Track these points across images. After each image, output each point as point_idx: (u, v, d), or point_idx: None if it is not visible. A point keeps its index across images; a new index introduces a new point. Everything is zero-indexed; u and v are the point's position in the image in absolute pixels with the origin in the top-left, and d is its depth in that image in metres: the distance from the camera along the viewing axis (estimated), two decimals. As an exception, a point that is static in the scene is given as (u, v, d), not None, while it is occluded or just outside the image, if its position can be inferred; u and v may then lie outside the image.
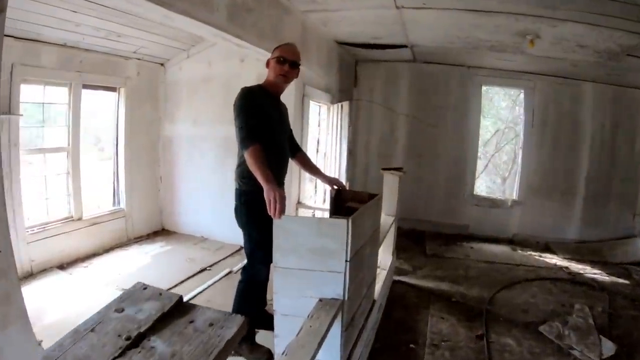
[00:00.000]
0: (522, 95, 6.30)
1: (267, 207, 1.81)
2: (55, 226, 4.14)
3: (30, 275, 3.79)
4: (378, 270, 3.81)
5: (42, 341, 2.68)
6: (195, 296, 3.54)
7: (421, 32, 4.48)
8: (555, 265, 5.02)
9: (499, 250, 5.60)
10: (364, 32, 4.68)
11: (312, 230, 1.77)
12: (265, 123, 2.26)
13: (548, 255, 5.43)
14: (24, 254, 3.77)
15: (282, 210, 1.80)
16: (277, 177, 2.46)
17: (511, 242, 5.99)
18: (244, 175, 2.27)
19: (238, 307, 2.43)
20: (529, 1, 3.23)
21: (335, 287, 1.82)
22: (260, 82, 2.45)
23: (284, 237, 1.81)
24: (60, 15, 3.30)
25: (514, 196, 6.26)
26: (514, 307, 3.72)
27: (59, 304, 3.28)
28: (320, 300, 1.81)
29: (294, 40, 4.02)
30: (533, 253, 5.50)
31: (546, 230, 6.00)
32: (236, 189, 2.40)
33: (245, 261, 2.43)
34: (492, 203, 6.33)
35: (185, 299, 2.86)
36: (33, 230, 3.93)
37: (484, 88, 6.43)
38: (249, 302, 2.40)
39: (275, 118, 2.40)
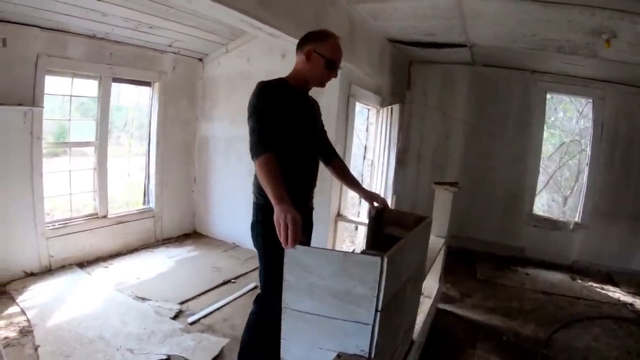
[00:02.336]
0: (589, 106, 5.58)
1: (277, 233, 1.41)
2: (78, 223, 3.99)
3: (48, 271, 3.68)
4: (421, 299, 3.36)
5: (39, 346, 2.54)
6: (211, 312, 3.21)
7: (482, 28, 3.94)
8: (618, 300, 4.35)
9: (557, 278, 4.95)
10: (417, 28, 4.19)
11: (333, 267, 1.35)
12: (288, 126, 1.86)
13: (610, 287, 4.75)
14: (43, 249, 3.66)
15: (295, 238, 1.38)
16: (305, 191, 2.05)
17: (570, 269, 5.30)
18: (262, 187, 1.87)
19: (248, 343, 2.05)
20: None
21: (360, 341, 1.38)
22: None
23: (296, 272, 1.40)
24: (83, 4, 3.11)
25: (577, 218, 5.54)
26: (573, 353, 3.15)
27: (67, 306, 3.11)
28: (339, 356, 1.39)
29: (341, 35, 3.65)
30: (594, 284, 4.82)
31: (610, 258, 5.27)
32: (254, 203, 2.01)
33: (260, 289, 2.04)
34: (552, 225, 5.63)
35: (201, 314, 2.54)
36: (54, 225, 3.79)
37: (548, 95, 5.74)
38: (260, 339, 2.00)
39: (302, 118, 1.98)
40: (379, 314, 1.35)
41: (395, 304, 1.58)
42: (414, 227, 1.92)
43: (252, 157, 1.72)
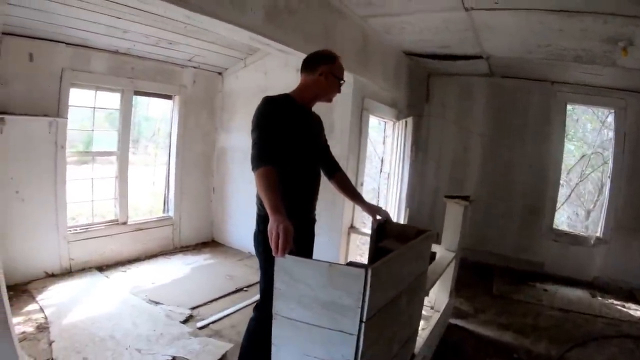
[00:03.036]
0: (611, 116, 5.41)
1: (269, 241, 1.46)
2: (99, 228, 4.16)
3: (68, 273, 3.85)
4: (431, 312, 3.33)
5: (53, 342, 2.68)
6: (221, 319, 3.28)
7: (496, 40, 3.92)
8: (639, 319, 4.17)
9: (577, 295, 4.77)
10: (431, 41, 4.21)
11: (320, 277, 1.39)
12: (291, 139, 1.93)
13: (632, 305, 4.55)
14: (64, 252, 3.83)
15: (284, 247, 1.43)
16: (306, 203, 2.11)
17: (591, 285, 5.10)
18: None
19: (247, 349, 2.11)
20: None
21: (346, 350, 1.41)
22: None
23: (286, 281, 1.45)
24: (105, 22, 3.29)
25: (599, 233, 5.34)
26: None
27: (83, 306, 3.25)
28: (327, 364, 1.43)
29: (354, 49, 3.73)
30: (615, 302, 4.63)
31: (632, 275, 5.04)
32: (257, 214, 2.07)
33: (259, 297, 2.10)
34: (573, 239, 5.45)
35: (210, 320, 2.61)
36: (76, 230, 3.97)
37: (568, 107, 5.62)
38: (258, 345, 2.05)
39: (305, 133, 2.05)
40: (363, 324, 1.38)
41: (387, 315, 1.60)
42: (413, 239, 1.94)
43: (252, 169, 1.79)
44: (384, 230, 2.23)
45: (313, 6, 3.03)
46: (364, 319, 1.37)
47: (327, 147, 2.33)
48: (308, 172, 2.09)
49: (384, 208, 2.33)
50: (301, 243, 1.78)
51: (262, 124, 1.89)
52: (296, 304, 1.46)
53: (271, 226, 1.48)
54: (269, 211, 1.57)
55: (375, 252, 2.21)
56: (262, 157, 1.77)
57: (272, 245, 1.45)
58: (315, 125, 2.20)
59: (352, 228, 4.30)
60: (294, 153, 1.95)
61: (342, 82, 2.12)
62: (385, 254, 2.14)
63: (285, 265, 1.45)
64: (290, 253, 1.45)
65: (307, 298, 1.43)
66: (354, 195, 2.36)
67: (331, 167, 2.32)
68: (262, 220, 2.00)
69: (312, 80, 2.08)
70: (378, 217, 2.23)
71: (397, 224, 2.38)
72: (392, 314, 1.68)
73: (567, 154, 6.25)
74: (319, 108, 2.20)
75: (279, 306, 1.49)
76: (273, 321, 1.51)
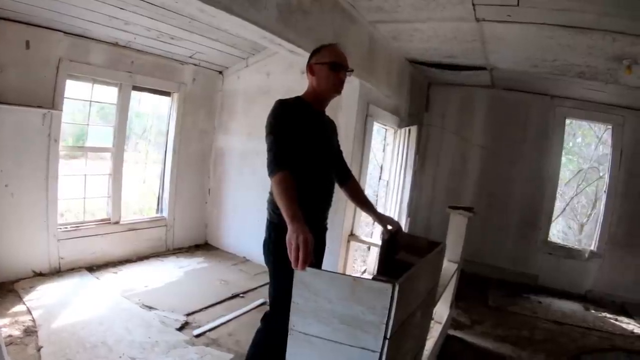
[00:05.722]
0: (608, 132, 5.48)
1: (288, 253, 1.39)
2: (90, 227, 4.02)
3: (57, 272, 3.71)
4: (432, 324, 3.28)
5: (42, 347, 2.55)
6: (217, 326, 3.17)
7: (503, 52, 3.92)
8: (632, 332, 4.22)
9: (570, 308, 4.80)
10: (438, 50, 4.19)
11: (343, 292, 1.32)
12: (305, 144, 1.86)
13: (624, 319, 4.61)
14: (53, 250, 3.69)
15: (305, 260, 1.36)
16: (321, 211, 2.04)
17: (584, 299, 5.15)
18: (277, 205, 1.83)
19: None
20: (635, 15, 2.61)
21: (367, 369, 1.34)
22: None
23: (305, 295, 1.37)
24: (107, 12, 3.17)
25: (592, 247, 5.39)
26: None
27: (73, 309, 3.11)
28: (345, 383, 1.35)
29: (360, 54, 3.65)
30: (608, 315, 4.68)
31: (625, 289, 5.10)
32: (268, 221, 1.99)
33: (268, 307, 2.01)
34: (567, 253, 5.49)
35: (206, 327, 2.51)
36: (66, 227, 3.83)
37: (567, 121, 5.66)
38: (265, 358, 1.96)
39: (319, 137, 1.97)
40: (387, 341, 1.31)
41: (405, 330, 1.54)
42: (425, 251, 1.89)
43: (269, 175, 1.72)
44: (394, 241, 2.16)
45: (325, 8, 2.97)
46: (388, 336, 1.30)
47: (341, 152, 2.26)
48: (322, 178, 2.01)
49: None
50: (314, 254, 1.71)
51: (276, 128, 1.82)
52: (314, 318, 1.38)
53: (290, 236, 1.41)
54: (287, 219, 1.49)
55: (386, 263, 2.15)
56: (279, 161, 1.70)
57: (292, 258, 1.37)
58: (329, 129, 2.13)
59: (352, 235, 4.23)
60: (308, 158, 1.88)
61: (333, 64, 1.95)
62: (395, 265, 2.09)
63: (305, 278, 1.37)
64: (310, 265, 1.38)
65: (326, 312, 1.35)
66: (366, 204, 2.27)
67: (343, 174, 2.24)
68: (274, 228, 1.92)
69: (309, 80, 2.02)
70: (389, 227, 2.15)
71: (407, 235, 2.33)
72: (408, 329, 1.62)
73: (563, 167, 6.29)
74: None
75: (295, 321, 1.41)
76: (289, 336, 1.43)
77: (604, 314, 4.69)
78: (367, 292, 1.30)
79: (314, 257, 1.45)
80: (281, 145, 1.76)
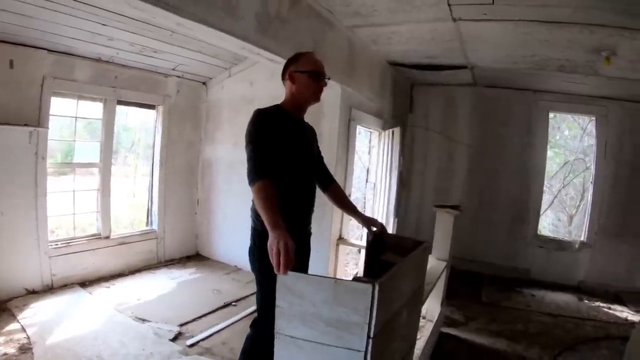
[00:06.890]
0: (592, 123, 5.56)
1: (270, 258, 1.41)
2: (81, 242, 4.02)
3: (49, 289, 3.70)
4: (423, 322, 3.30)
5: None
6: (211, 335, 3.18)
7: (482, 50, 3.98)
8: (626, 320, 4.28)
9: (564, 300, 4.86)
10: (417, 51, 4.24)
11: (325, 294, 1.35)
12: (285, 151, 1.89)
13: (618, 307, 4.67)
14: (45, 267, 3.68)
15: (287, 265, 1.39)
16: (302, 216, 2.06)
17: (577, 289, 5.21)
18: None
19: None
20: (613, 7, 2.66)
21: (353, 369, 1.37)
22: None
23: (288, 299, 1.39)
24: (90, 28, 3.20)
25: (583, 237, 5.47)
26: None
27: (67, 325, 3.11)
28: (332, 383, 1.37)
29: (340, 59, 3.70)
30: (602, 304, 4.73)
31: (617, 277, 5.17)
32: (252, 228, 2.02)
33: (256, 314, 2.03)
34: (557, 245, 5.56)
35: (200, 337, 2.52)
36: (57, 244, 3.83)
37: (551, 114, 5.75)
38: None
39: (299, 144, 2.01)
40: (371, 340, 1.34)
41: (390, 329, 1.57)
42: (411, 251, 1.92)
43: (249, 184, 1.75)
44: (379, 242, 2.20)
45: (303, 15, 3.01)
46: (372, 335, 1.33)
47: (321, 158, 2.30)
48: (303, 184, 2.04)
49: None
50: (297, 258, 1.73)
51: (255, 137, 1.84)
52: (299, 321, 1.40)
53: (271, 242, 1.44)
54: (268, 227, 1.52)
55: (372, 264, 2.18)
56: (259, 170, 1.73)
57: (274, 262, 1.40)
58: (309, 136, 2.15)
59: (340, 239, 4.26)
60: (288, 165, 1.91)
61: (314, 73, 1.98)
62: (381, 266, 2.12)
63: (287, 282, 1.39)
64: (292, 269, 1.41)
65: (310, 315, 1.38)
66: (349, 207, 2.31)
67: (325, 179, 2.28)
68: (258, 234, 1.94)
69: (287, 88, 2.04)
70: (374, 228, 2.19)
71: (393, 236, 2.36)
72: (394, 328, 1.65)
73: (549, 160, 6.36)
74: (307, 118, 2.16)
75: (281, 324, 1.43)
76: (275, 340, 1.45)
77: (597, 304, 4.75)
78: (349, 294, 1.33)
79: (298, 261, 1.48)
80: (260, 154, 1.78)
